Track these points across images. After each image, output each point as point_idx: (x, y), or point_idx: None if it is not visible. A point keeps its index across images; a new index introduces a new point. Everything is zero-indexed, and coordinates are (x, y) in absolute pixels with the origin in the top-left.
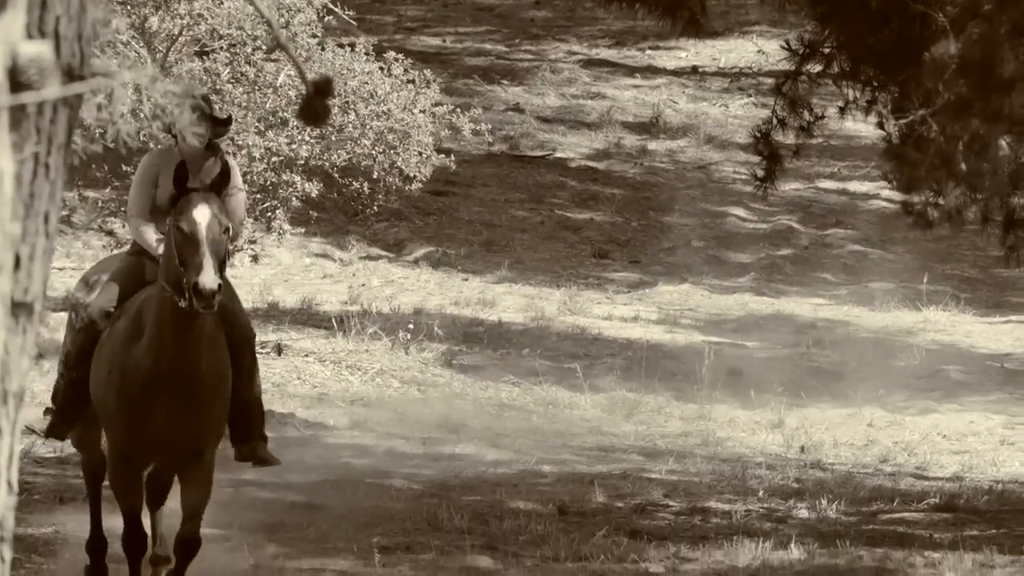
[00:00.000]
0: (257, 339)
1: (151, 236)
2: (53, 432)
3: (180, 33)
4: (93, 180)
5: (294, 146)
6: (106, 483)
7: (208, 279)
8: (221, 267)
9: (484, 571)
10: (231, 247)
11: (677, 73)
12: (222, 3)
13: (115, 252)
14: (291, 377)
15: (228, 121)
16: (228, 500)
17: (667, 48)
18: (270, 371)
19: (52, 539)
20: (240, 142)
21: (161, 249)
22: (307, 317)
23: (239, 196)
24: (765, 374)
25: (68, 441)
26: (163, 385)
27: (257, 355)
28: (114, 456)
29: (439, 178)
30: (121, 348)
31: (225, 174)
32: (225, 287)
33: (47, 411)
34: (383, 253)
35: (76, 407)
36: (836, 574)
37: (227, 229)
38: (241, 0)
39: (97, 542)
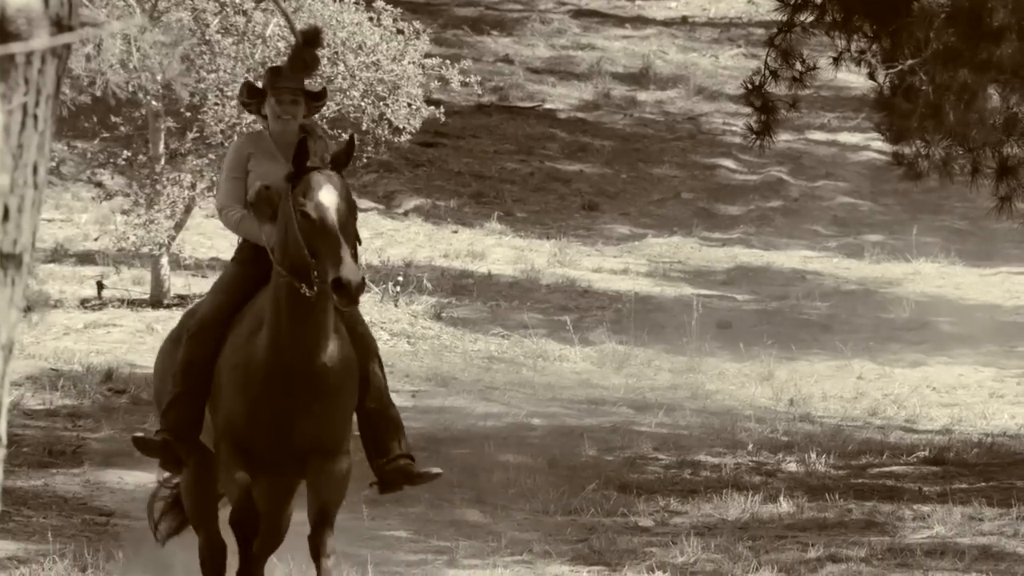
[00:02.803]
0: None
1: (254, 225)
2: (167, 452)
3: None
4: (82, 131)
5: None
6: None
7: (351, 272)
8: (356, 256)
9: (473, 524)
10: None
11: (667, 23)
12: None
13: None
14: None
15: (323, 95)
16: None
17: None
18: None
19: (41, 492)
20: (229, 93)
21: (264, 234)
22: None
23: None
24: (754, 326)
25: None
26: (284, 377)
27: (384, 370)
28: (227, 456)
29: (428, 129)
30: (242, 343)
31: (349, 149)
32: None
33: (158, 432)
34: (373, 205)
35: (189, 427)
36: (825, 527)
37: (355, 211)
38: None
39: None
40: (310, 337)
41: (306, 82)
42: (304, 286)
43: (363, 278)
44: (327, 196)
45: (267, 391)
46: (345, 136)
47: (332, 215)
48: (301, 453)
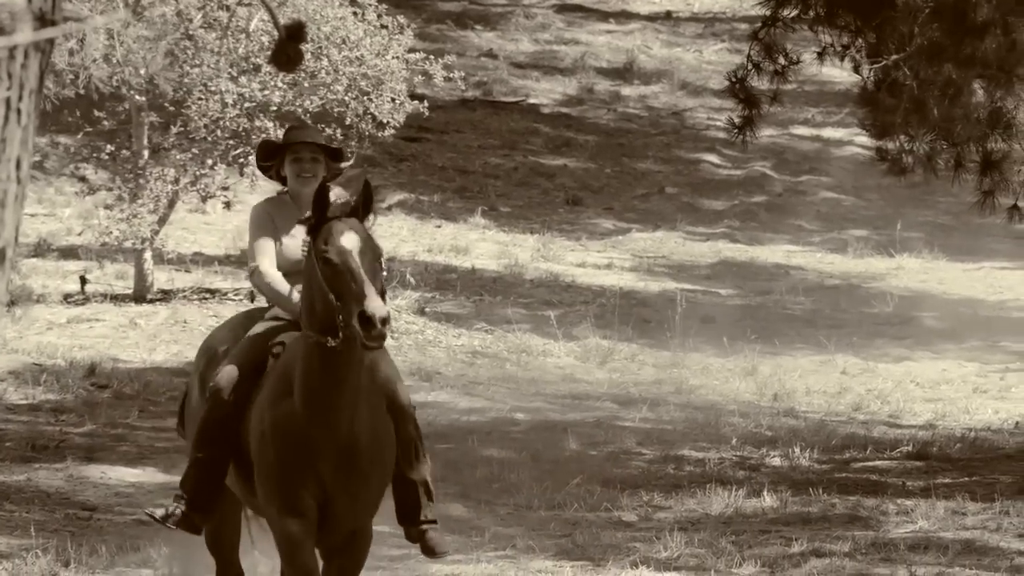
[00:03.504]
0: (229, 286)
1: (284, 286)
2: (186, 524)
3: None
4: (65, 125)
5: (267, 92)
6: None
7: (376, 305)
8: (383, 298)
9: (457, 519)
10: (385, 276)
11: (651, 18)
12: None
13: (236, 314)
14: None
15: (342, 154)
16: None
17: None
18: None
19: (24, 487)
20: (213, 88)
21: (296, 296)
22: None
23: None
24: (738, 321)
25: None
26: (318, 450)
27: (420, 435)
28: (281, 523)
29: (412, 124)
30: (271, 403)
31: (368, 197)
32: (381, 354)
33: (176, 497)
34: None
35: (208, 493)
36: (809, 522)
37: (380, 257)
38: None
39: None
40: (344, 404)
41: (325, 141)
42: (329, 338)
43: (388, 311)
44: (349, 241)
45: (302, 467)
46: (329, 131)
47: (355, 258)
48: (337, 530)
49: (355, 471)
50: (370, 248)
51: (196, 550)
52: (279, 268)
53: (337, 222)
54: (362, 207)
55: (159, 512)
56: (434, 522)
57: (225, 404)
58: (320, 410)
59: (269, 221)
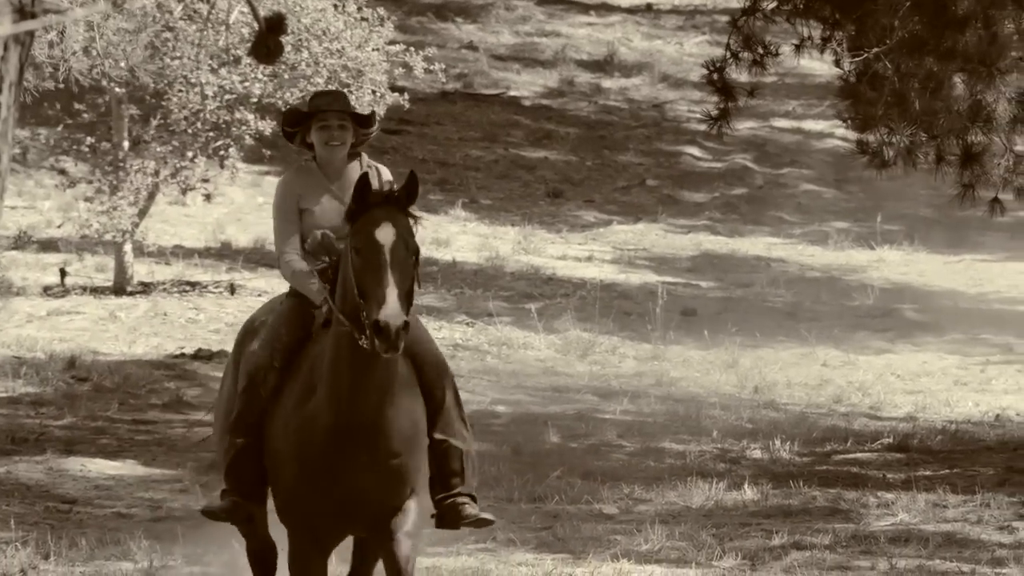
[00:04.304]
0: (210, 278)
1: (311, 281)
2: (238, 514)
3: None
4: (45, 118)
5: (247, 84)
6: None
7: (391, 313)
8: (408, 298)
9: None
10: (418, 275)
11: (631, 10)
12: None
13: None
14: (244, 317)
15: (372, 119)
16: (180, 440)
17: None
18: (223, 311)
19: (4, 480)
20: (193, 80)
21: (314, 285)
22: (260, 256)
23: None
24: (719, 314)
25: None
26: (346, 441)
27: (458, 393)
28: (295, 535)
29: (393, 116)
30: (297, 403)
31: (412, 185)
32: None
33: (223, 493)
34: None
35: (254, 484)
36: (789, 514)
37: (415, 252)
38: None
39: None
40: (372, 395)
41: (353, 105)
42: (362, 336)
43: (405, 321)
44: (383, 233)
45: (326, 457)
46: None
47: (384, 253)
48: (367, 518)
49: (382, 456)
50: (404, 243)
51: (176, 544)
52: (307, 237)
53: (378, 210)
54: (406, 197)
55: (215, 504)
56: (473, 498)
57: (258, 398)
58: (345, 397)
59: (293, 200)
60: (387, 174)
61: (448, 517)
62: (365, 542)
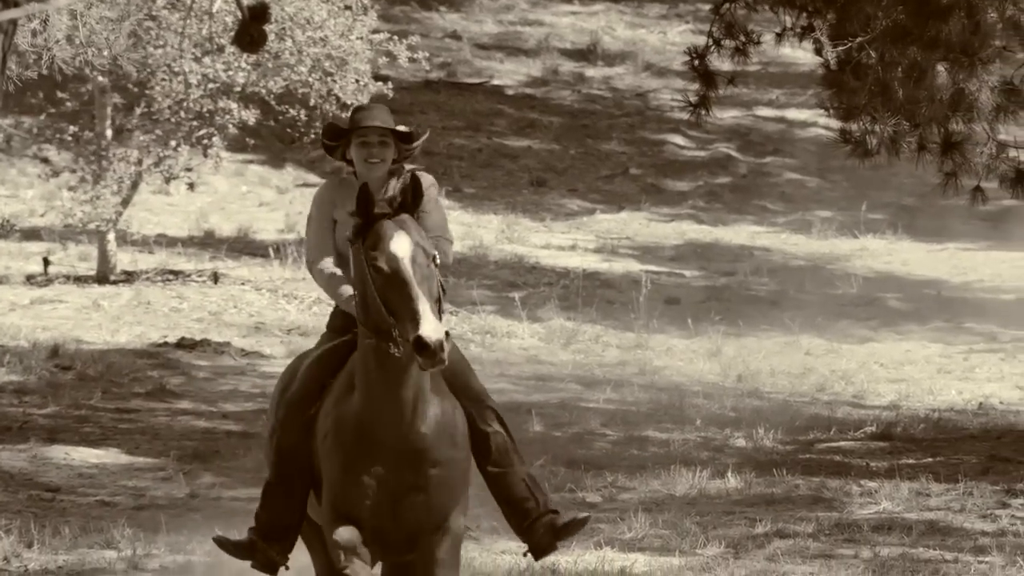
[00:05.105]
0: (193, 267)
1: (342, 288)
2: (263, 560)
3: None
4: (28, 106)
5: (231, 73)
6: None
7: (431, 330)
8: (440, 306)
9: None
10: (443, 280)
11: (615, 0)
12: None
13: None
14: (227, 306)
15: (413, 136)
16: (163, 428)
17: None
18: (206, 300)
19: None
20: (176, 68)
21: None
22: (243, 245)
23: (436, 215)
24: (703, 302)
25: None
26: (381, 451)
27: (502, 419)
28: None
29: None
30: (333, 409)
31: (416, 188)
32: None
33: (251, 530)
34: (320, 180)
35: (284, 529)
36: (773, 503)
37: (434, 258)
38: None
39: None
40: (406, 403)
41: (396, 125)
42: (392, 346)
43: (447, 333)
44: (399, 245)
45: (365, 468)
46: (293, 112)
47: (406, 266)
48: (408, 532)
49: (422, 467)
50: (422, 250)
51: (160, 532)
52: (340, 248)
53: (386, 222)
54: (411, 202)
55: (233, 539)
56: (554, 512)
57: (296, 429)
58: (381, 408)
59: (329, 210)
60: (428, 179)
61: (543, 542)
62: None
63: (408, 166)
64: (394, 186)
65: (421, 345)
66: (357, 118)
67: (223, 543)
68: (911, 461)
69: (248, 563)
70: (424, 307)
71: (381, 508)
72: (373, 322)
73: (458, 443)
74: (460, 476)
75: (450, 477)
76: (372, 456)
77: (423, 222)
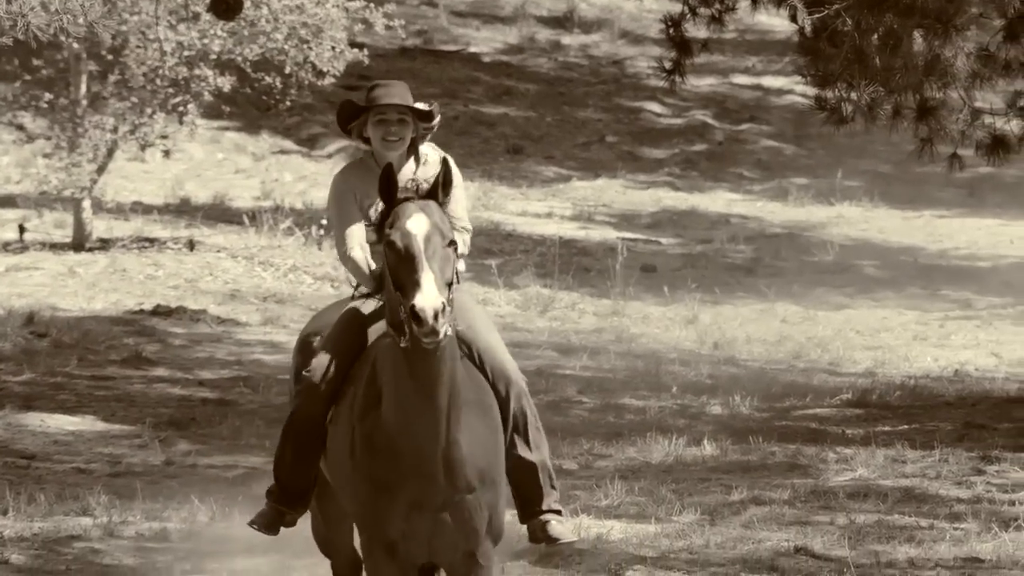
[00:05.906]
0: (169, 234)
1: (365, 268)
2: (274, 517)
3: None
4: (3, 73)
5: (206, 40)
6: None
7: (426, 297)
8: (448, 286)
9: None
10: (458, 265)
11: None
12: None
13: (339, 300)
14: (203, 273)
15: (432, 115)
16: (138, 396)
17: None
18: (182, 267)
19: None
20: (151, 36)
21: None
22: (219, 212)
23: (457, 203)
24: (679, 270)
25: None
26: (411, 465)
27: (534, 408)
28: (371, 555)
29: (352, 72)
30: (359, 420)
31: (446, 176)
32: (478, 317)
33: (269, 492)
34: (296, 148)
35: (299, 487)
36: (749, 470)
37: (451, 243)
38: None
39: None
40: (438, 410)
41: (415, 102)
42: (401, 337)
43: (442, 303)
44: (415, 223)
45: (398, 486)
46: (268, 79)
47: (419, 243)
48: (443, 554)
49: (456, 484)
50: (439, 232)
51: (136, 500)
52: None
53: (408, 203)
54: (441, 187)
55: (259, 515)
56: (558, 512)
57: (317, 401)
58: (411, 418)
59: (351, 197)
60: (454, 170)
61: (536, 535)
62: None
63: (424, 145)
64: (411, 166)
65: (414, 314)
66: (375, 95)
67: (254, 524)
68: (887, 428)
69: (254, 528)
70: (427, 279)
71: (415, 529)
72: (392, 313)
73: (496, 465)
74: (496, 491)
75: (485, 491)
76: (402, 473)
77: (445, 208)
